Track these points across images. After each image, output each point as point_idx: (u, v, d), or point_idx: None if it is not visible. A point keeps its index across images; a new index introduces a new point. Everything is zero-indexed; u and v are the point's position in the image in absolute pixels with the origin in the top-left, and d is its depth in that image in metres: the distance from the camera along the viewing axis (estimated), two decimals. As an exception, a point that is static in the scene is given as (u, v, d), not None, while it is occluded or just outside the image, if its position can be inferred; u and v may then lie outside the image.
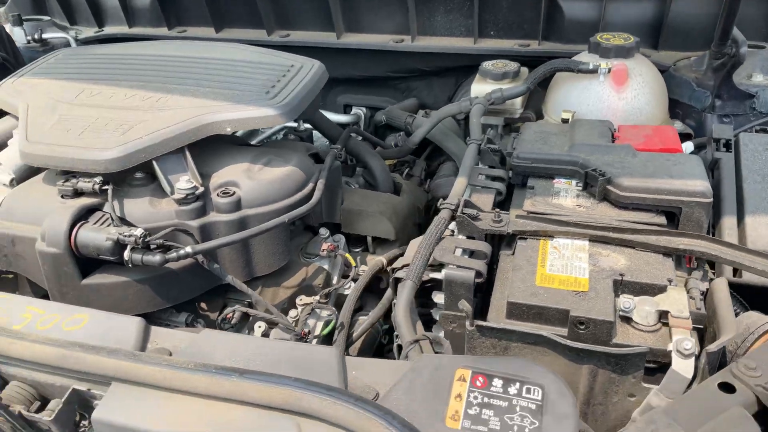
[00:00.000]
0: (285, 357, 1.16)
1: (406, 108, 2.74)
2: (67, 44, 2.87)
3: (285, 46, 2.68)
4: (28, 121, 1.77)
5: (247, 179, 1.75)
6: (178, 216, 1.68)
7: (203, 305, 1.88)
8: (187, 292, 1.75)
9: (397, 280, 1.64)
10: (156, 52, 2.12)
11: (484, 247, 1.55)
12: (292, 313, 1.85)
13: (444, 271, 1.48)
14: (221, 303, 1.89)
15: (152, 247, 1.59)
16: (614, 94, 2.02)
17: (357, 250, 2.19)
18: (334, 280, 2.01)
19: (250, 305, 1.88)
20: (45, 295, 1.84)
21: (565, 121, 2.05)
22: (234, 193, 1.72)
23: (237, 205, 1.72)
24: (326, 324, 1.85)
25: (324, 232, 2.01)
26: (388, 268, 1.65)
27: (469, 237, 1.60)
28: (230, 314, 1.80)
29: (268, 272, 1.84)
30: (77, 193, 1.69)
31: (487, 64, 2.29)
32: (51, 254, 1.58)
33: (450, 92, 2.94)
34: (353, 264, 1.99)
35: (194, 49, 2.13)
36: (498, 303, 1.43)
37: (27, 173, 1.83)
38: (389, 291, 1.95)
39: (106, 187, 1.66)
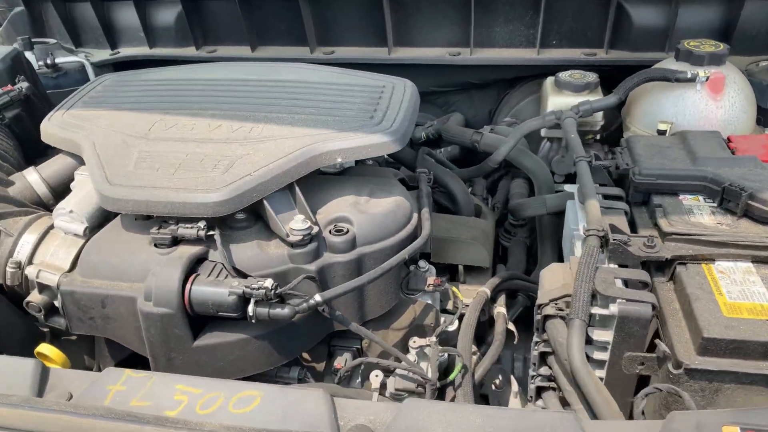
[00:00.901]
0: (521, 428, 1.00)
1: (456, 123, 2.62)
2: (82, 69, 2.60)
3: (330, 64, 2.51)
4: (102, 160, 1.55)
5: (359, 213, 1.58)
6: (293, 260, 1.49)
7: (305, 355, 1.69)
8: (304, 344, 1.57)
9: (546, 318, 1.51)
10: (225, 76, 1.91)
11: (644, 276, 1.43)
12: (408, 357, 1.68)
13: (615, 307, 1.35)
14: (325, 351, 1.70)
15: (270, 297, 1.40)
16: (712, 102, 1.95)
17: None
18: (438, 316, 1.85)
19: (359, 352, 1.70)
20: (127, 360, 1.63)
21: (661, 132, 1.97)
22: (347, 230, 1.54)
23: (353, 244, 1.54)
24: (443, 367, 1.70)
25: (424, 265, 1.85)
26: (539, 305, 1.51)
27: (621, 265, 1.49)
28: (340, 364, 1.63)
29: (380, 314, 1.67)
30: (175, 242, 1.48)
31: (563, 75, 2.19)
32: (160, 315, 1.36)
33: (491, 105, 2.83)
34: (461, 298, 1.84)
35: (266, 71, 1.93)
36: (681, 338, 1.31)
37: (99, 220, 1.60)
38: (500, 326, 1.81)
39: (211, 232, 1.46)
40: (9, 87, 1.97)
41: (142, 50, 2.69)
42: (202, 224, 1.46)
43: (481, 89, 2.78)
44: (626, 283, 1.43)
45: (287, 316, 1.38)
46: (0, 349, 1.59)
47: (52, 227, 1.59)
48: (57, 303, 1.54)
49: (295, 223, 1.48)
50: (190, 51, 2.64)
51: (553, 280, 1.57)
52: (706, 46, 2.00)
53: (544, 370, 1.58)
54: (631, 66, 2.31)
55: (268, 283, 1.35)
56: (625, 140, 1.87)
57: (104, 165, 1.53)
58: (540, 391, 1.61)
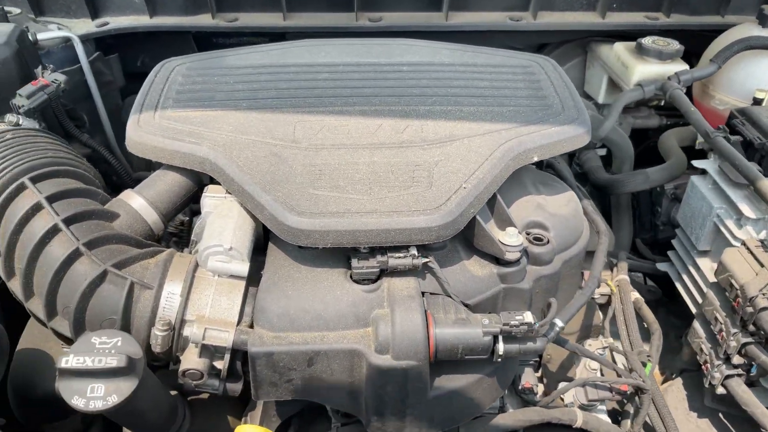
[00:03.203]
0: None
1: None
2: (66, 46, 2.05)
3: (378, 33, 2.23)
4: (261, 180, 1.22)
5: (551, 217, 1.41)
6: (505, 279, 1.31)
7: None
8: (516, 370, 1.39)
9: (762, 309, 1.45)
10: (339, 60, 1.58)
11: None
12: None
13: None
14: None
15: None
16: (804, 69, 1.98)
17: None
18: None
19: (538, 365, 1.56)
20: (295, 416, 1.36)
21: (758, 101, 1.97)
22: (547, 239, 1.37)
23: (554, 252, 1.38)
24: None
25: (571, 258, 1.73)
26: (750, 298, 1.45)
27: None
28: (529, 383, 1.49)
29: (558, 321, 1.53)
30: (381, 274, 1.22)
31: (647, 42, 2.11)
32: (403, 369, 1.12)
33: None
34: (613, 290, 1.75)
35: (382, 52, 1.64)
36: None
37: (251, 255, 1.28)
38: (650, 315, 1.74)
39: (426, 259, 1.22)
40: (44, 81, 1.49)
41: (140, 20, 2.18)
42: (414, 251, 1.21)
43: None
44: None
45: (540, 350, 1.20)
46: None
47: (195, 269, 1.24)
48: (220, 365, 1.22)
49: (509, 238, 1.28)
50: (204, 19, 2.19)
51: (743, 269, 1.52)
52: (792, 11, 2.01)
53: (737, 360, 1.55)
54: (693, 30, 2.29)
55: (529, 317, 1.16)
56: (741, 112, 1.84)
57: (269, 187, 1.21)
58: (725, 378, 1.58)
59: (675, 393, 1.84)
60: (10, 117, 1.36)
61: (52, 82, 1.50)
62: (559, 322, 1.24)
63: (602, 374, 1.54)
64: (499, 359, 1.19)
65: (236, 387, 1.27)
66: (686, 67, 2.09)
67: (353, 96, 1.45)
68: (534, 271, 1.35)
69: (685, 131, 2.21)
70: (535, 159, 1.37)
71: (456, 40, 1.83)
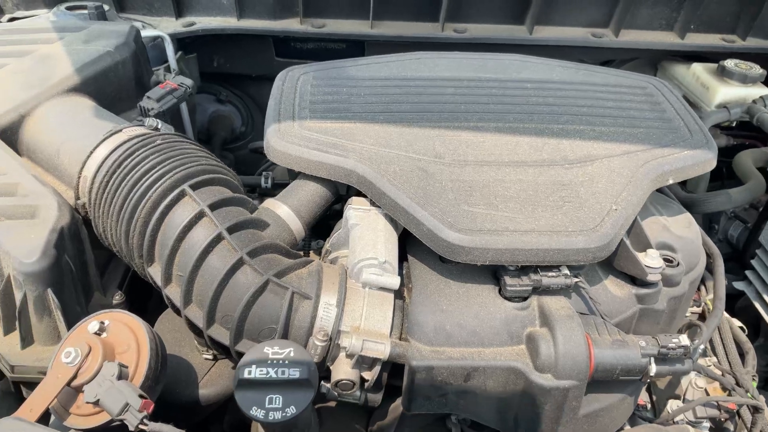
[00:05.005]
0: None
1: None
2: (154, 46, 2.05)
3: (462, 44, 2.24)
4: (414, 196, 1.23)
5: (677, 239, 1.44)
6: (643, 300, 1.33)
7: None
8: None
9: None
10: (458, 75, 1.60)
11: None
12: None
13: None
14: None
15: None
16: None
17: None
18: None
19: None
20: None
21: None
22: (678, 261, 1.40)
23: (683, 275, 1.40)
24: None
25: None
26: None
27: None
28: (642, 400, 1.52)
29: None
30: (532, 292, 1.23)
31: (729, 64, 2.14)
32: (565, 389, 1.14)
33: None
34: (710, 307, 1.78)
35: (499, 67, 1.66)
36: None
37: (394, 267, 1.29)
38: (739, 332, 1.78)
39: (578, 279, 1.24)
40: (172, 84, 1.48)
41: (228, 21, 2.18)
42: (567, 271, 1.23)
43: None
44: None
45: (688, 371, 1.22)
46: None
47: (345, 280, 1.25)
48: (368, 375, 1.23)
49: (650, 260, 1.31)
50: (292, 24, 2.19)
51: None
52: None
53: None
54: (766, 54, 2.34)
55: (685, 340, 1.18)
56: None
57: (423, 202, 1.22)
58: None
59: (759, 411, 1.88)
60: (149, 121, 1.35)
61: (179, 85, 1.50)
62: (702, 346, 1.27)
63: (707, 393, 1.58)
64: (648, 380, 1.21)
65: (377, 397, 1.28)
66: (767, 91, 2.12)
67: (486, 112, 1.47)
68: (666, 292, 1.37)
69: (758, 153, 2.25)
70: (671, 182, 1.39)
71: (536, 54, 1.85)
